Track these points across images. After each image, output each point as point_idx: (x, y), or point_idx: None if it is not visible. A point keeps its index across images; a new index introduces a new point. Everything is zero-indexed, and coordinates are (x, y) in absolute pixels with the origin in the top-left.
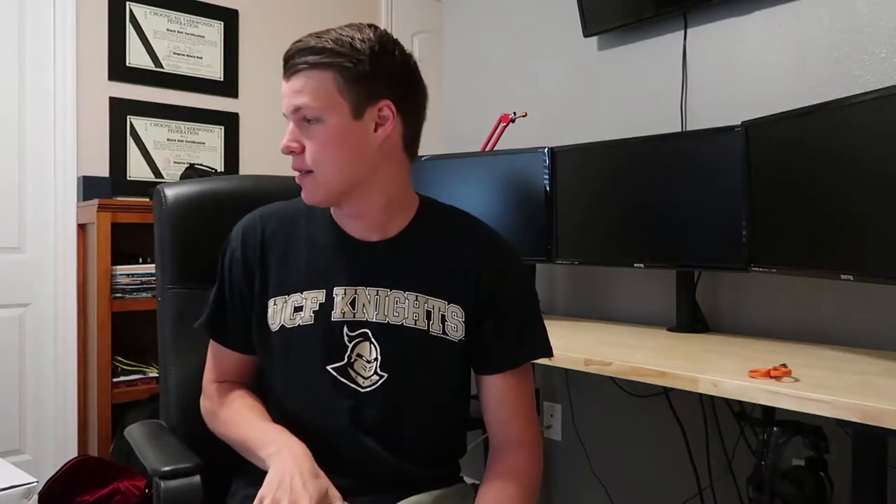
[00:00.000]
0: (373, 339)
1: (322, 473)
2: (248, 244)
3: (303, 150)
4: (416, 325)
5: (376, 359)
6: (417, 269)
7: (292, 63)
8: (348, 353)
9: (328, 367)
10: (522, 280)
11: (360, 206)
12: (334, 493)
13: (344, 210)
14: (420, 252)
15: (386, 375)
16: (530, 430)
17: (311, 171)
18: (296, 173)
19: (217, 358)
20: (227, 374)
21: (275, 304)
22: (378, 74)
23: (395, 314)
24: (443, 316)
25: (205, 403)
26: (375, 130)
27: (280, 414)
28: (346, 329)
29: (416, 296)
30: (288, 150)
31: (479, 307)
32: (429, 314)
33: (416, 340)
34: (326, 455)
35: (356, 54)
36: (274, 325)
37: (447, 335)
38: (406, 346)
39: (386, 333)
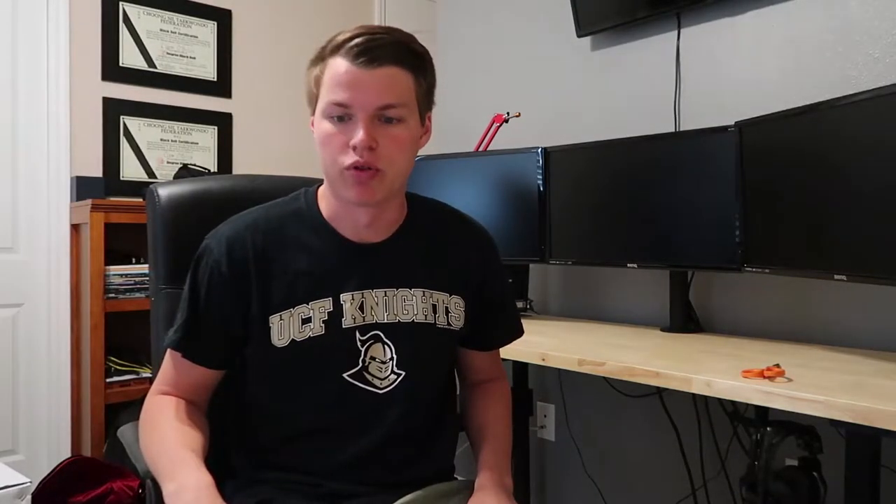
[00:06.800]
0: (385, 340)
1: None
2: (235, 258)
3: (376, 146)
4: (425, 319)
5: (391, 358)
6: (419, 265)
7: (377, 53)
8: (362, 357)
9: (344, 375)
10: (503, 268)
11: (385, 209)
12: None
13: (363, 214)
14: (419, 248)
15: (403, 373)
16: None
17: (378, 170)
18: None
19: (177, 371)
20: (181, 389)
21: (281, 320)
22: (433, 88)
23: (405, 312)
24: (447, 308)
25: (143, 414)
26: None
27: (283, 429)
28: (357, 334)
29: (423, 291)
30: (367, 147)
31: (476, 296)
32: (434, 308)
33: (427, 334)
34: (340, 463)
35: (430, 66)
36: (282, 340)
37: (451, 325)
38: (419, 342)
39: (397, 332)
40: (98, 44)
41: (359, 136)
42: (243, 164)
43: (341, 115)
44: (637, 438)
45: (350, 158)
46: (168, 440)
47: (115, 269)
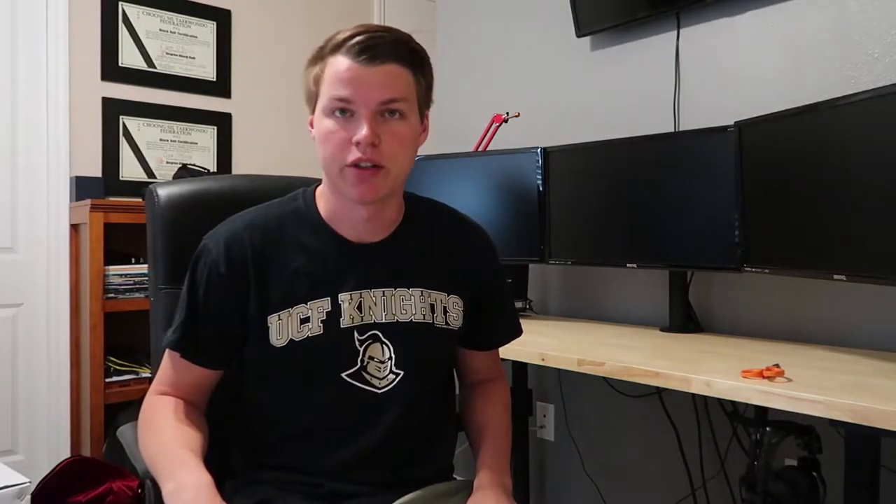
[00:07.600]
0: (384, 339)
1: None
2: (233, 258)
3: (379, 143)
4: (423, 319)
5: (390, 358)
6: (417, 264)
7: (379, 50)
8: (360, 357)
9: (342, 375)
10: (502, 268)
11: (384, 207)
12: None
13: (363, 212)
14: (417, 248)
15: (402, 373)
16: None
17: (381, 167)
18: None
19: (175, 371)
20: (179, 389)
21: (279, 320)
22: (431, 86)
23: (403, 311)
24: (445, 307)
25: (142, 414)
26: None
27: (282, 429)
28: (356, 334)
29: (421, 291)
30: (370, 143)
31: (475, 296)
32: (433, 307)
33: (425, 334)
34: (339, 463)
35: (428, 64)
36: (280, 340)
37: (449, 325)
38: (417, 341)
39: (396, 332)
40: (97, 44)
41: (362, 132)
42: (243, 164)
43: (343, 109)
44: (637, 438)
45: (353, 155)
46: (167, 440)
47: (114, 269)
